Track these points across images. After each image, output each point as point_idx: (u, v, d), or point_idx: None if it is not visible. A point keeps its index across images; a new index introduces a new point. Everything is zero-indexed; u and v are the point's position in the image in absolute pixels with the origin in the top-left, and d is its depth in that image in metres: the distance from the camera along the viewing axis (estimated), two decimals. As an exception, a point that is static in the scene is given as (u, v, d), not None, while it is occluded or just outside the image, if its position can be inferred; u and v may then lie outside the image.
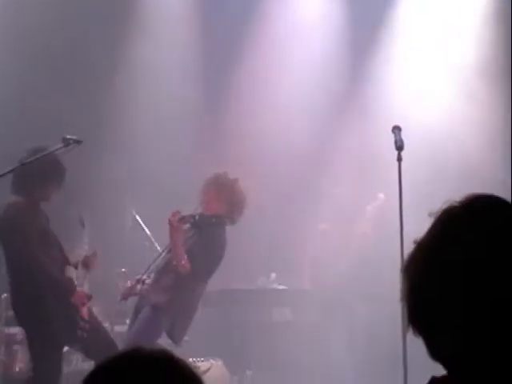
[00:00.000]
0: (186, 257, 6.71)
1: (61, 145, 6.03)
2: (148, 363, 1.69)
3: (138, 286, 6.90)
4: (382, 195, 8.12)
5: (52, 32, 8.32)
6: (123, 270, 7.99)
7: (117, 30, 8.74)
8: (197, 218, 6.83)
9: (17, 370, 7.19)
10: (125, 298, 6.93)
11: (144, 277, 6.94)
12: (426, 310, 1.65)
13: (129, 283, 7.02)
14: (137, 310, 6.87)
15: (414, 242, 1.71)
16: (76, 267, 6.76)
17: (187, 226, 6.87)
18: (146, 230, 8.12)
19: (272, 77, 8.81)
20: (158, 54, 8.87)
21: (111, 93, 8.66)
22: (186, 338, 6.94)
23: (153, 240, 8.01)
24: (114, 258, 7.81)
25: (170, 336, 6.81)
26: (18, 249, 6.46)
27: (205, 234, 6.83)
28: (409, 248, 1.71)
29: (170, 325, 6.77)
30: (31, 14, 8.40)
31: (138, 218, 8.09)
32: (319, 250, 8.41)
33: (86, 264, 6.80)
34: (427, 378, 1.69)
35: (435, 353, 1.67)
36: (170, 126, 8.71)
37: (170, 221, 6.66)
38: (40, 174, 6.47)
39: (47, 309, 6.40)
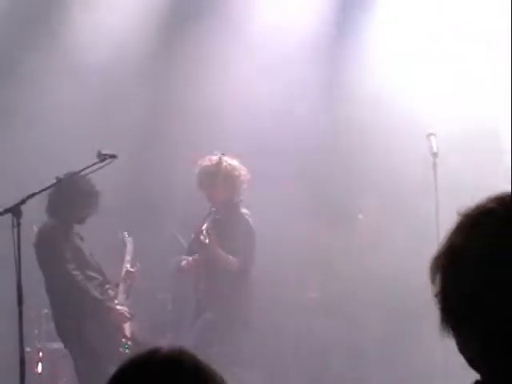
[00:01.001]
0: (230, 257, 6.78)
1: (96, 160, 6.07)
2: (165, 364, 1.74)
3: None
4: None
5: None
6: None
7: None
8: (214, 214, 6.87)
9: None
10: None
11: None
12: (459, 309, 1.62)
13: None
14: (197, 314, 6.96)
15: (446, 239, 1.68)
16: (117, 286, 6.83)
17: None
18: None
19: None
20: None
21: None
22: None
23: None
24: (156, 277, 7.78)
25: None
26: (53, 268, 6.58)
27: (229, 224, 6.91)
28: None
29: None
30: None
31: (179, 237, 7.97)
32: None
33: (128, 278, 6.87)
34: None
35: (467, 354, 1.64)
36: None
37: (200, 241, 6.73)
38: (73, 198, 6.60)
39: (86, 327, 6.46)
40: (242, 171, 6.99)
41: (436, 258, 1.68)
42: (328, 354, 7.60)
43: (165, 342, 7.48)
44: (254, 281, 7.07)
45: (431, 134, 5.56)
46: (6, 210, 5.60)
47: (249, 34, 8.17)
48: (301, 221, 7.54)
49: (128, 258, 7.04)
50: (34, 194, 5.86)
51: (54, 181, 6.23)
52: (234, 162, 7.00)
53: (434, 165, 5.45)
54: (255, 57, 8.13)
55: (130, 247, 7.13)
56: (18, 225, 5.51)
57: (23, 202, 5.68)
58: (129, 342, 6.68)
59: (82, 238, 6.83)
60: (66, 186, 6.45)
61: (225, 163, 6.93)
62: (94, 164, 6.10)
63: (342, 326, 7.46)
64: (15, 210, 5.56)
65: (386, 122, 7.53)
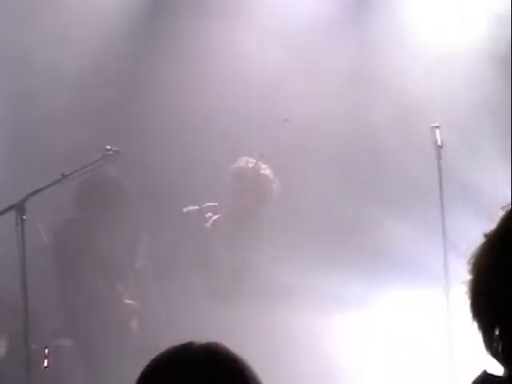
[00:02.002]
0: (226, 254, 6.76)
1: (100, 156, 6.07)
2: (198, 361, 1.74)
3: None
4: None
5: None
6: None
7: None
8: (229, 211, 6.84)
9: (65, 382, 7.23)
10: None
11: None
12: (492, 304, 1.62)
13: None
14: None
15: (484, 235, 1.68)
16: (127, 281, 6.85)
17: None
18: None
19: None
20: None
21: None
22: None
23: None
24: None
25: None
26: (71, 263, 6.60)
27: (241, 227, 6.82)
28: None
29: None
30: None
31: None
32: None
33: (138, 275, 6.89)
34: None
35: (495, 351, 1.63)
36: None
37: (207, 228, 6.71)
38: (100, 193, 6.62)
39: (95, 321, 6.47)
40: (274, 184, 6.87)
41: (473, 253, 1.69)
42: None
43: (175, 337, 7.46)
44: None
45: (436, 127, 5.53)
46: (10, 207, 5.61)
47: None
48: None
49: (141, 254, 7.05)
50: (38, 191, 5.87)
51: (59, 177, 6.22)
52: (268, 172, 6.87)
53: (439, 158, 5.42)
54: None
55: (143, 243, 7.14)
56: (22, 222, 5.52)
57: (27, 198, 5.68)
58: (135, 338, 6.70)
59: (101, 236, 6.84)
60: (92, 182, 6.53)
61: (259, 170, 6.83)
62: (99, 160, 6.11)
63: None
64: (19, 207, 5.57)
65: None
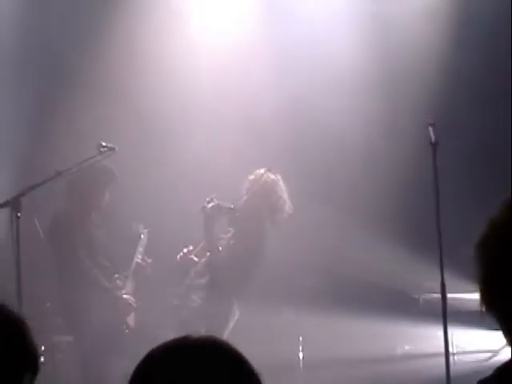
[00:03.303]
0: (219, 248, 6.73)
1: (96, 152, 6.06)
2: (196, 349, 1.73)
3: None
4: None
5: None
6: None
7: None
8: (235, 211, 6.80)
9: (61, 379, 7.23)
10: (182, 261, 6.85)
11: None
12: (503, 291, 1.63)
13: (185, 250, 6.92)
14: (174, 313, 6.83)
15: (488, 220, 1.68)
16: (126, 276, 6.84)
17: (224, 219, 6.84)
18: None
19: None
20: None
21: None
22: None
23: None
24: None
25: None
26: (65, 253, 6.59)
27: (244, 230, 6.77)
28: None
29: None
30: None
31: None
32: None
33: (137, 271, 6.89)
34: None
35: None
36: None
37: (203, 208, 6.66)
38: (91, 181, 6.58)
39: (92, 314, 6.48)
40: (284, 193, 6.83)
41: (482, 239, 1.68)
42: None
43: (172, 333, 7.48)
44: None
45: (430, 124, 5.52)
46: (5, 203, 5.59)
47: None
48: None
49: (140, 249, 7.05)
50: (33, 187, 5.86)
51: (54, 173, 6.21)
52: (278, 179, 6.87)
53: (435, 155, 5.41)
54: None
55: (143, 239, 7.13)
56: (17, 218, 5.50)
57: (22, 194, 5.67)
58: (132, 333, 6.70)
59: (97, 226, 6.84)
60: (85, 174, 6.42)
61: (267, 176, 6.82)
62: (94, 156, 6.10)
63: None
64: (14, 203, 5.55)
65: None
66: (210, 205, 6.62)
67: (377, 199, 7.77)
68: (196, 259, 6.84)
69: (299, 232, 7.35)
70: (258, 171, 6.92)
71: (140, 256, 7.00)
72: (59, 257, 6.65)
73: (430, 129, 5.47)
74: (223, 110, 7.76)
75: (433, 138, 5.43)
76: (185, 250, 6.85)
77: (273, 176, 6.87)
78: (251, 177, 6.91)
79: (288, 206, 6.84)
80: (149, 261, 6.99)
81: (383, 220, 7.70)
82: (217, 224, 6.75)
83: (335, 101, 7.72)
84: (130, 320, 6.77)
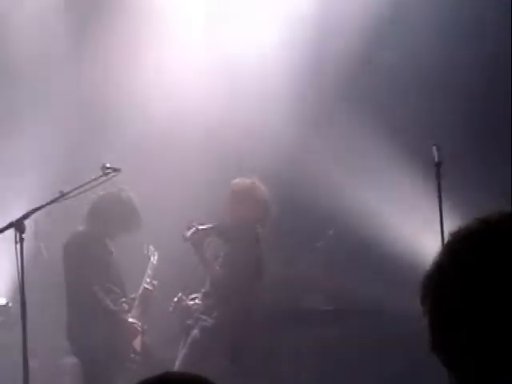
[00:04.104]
0: (216, 267, 6.72)
1: (100, 174, 6.06)
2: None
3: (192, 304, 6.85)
4: None
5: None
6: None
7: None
8: (218, 227, 6.81)
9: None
10: (174, 311, 6.84)
11: (195, 295, 6.90)
12: (445, 327, 1.62)
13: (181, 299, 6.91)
14: (187, 333, 6.84)
15: (435, 259, 1.68)
16: (133, 299, 6.84)
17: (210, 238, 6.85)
18: None
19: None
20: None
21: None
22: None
23: None
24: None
25: (232, 361, 6.63)
26: (74, 273, 6.63)
27: (237, 243, 6.77)
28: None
29: (228, 349, 6.67)
30: None
31: None
32: None
33: (145, 296, 6.89)
34: None
35: (455, 370, 1.63)
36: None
37: (184, 236, 6.66)
38: (113, 213, 6.72)
39: (98, 337, 6.47)
40: (264, 195, 6.85)
41: (425, 277, 1.68)
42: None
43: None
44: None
45: (433, 144, 5.52)
46: (10, 225, 5.59)
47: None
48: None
49: (149, 272, 7.06)
50: (37, 209, 5.86)
51: (58, 195, 6.22)
52: (255, 184, 6.89)
53: (438, 175, 5.41)
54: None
55: (153, 261, 7.14)
56: (21, 240, 5.50)
57: (26, 216, 5.67)
58: (137, 357, 6.69)
59: (111, 253, 6.88)
60: (109, 200, 6.66)
61: (252, 184, 6.85)
62: (99, 178, 6.10)
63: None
64: (18, 225, 5.55)
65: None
66: (189, 232, 6.65)
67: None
68: (191, 303, 6.83)
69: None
70: (233, 181, 6.92)
71: (148, 279, 7.01)
72: (69, 274, 6.67)
73: (434, 148, 5.49)
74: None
75: (436, 158, 5.44)
76: (175, 299, 6.86)
77: (249, 181, 6.87)
78: (230, 188, 6.90)
79: (272, 207, 6.83)
80: (155, 282, 6.99)
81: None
82: (206, 247, 6.76)
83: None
84: (137, 344, 6.76)
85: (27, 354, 5.32)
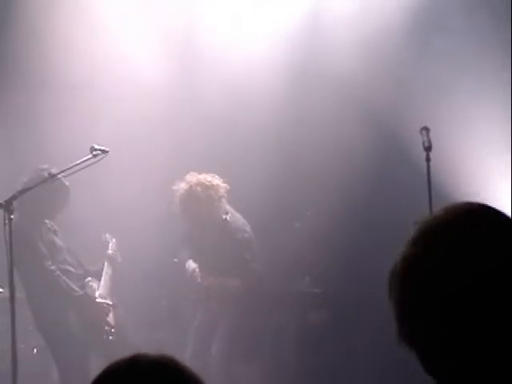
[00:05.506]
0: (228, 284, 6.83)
1: (89, 155, 6.03)
2: (150, 367, 1.70)
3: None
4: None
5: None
6: None
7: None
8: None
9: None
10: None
11: None
12: (411, 319, 1.66)
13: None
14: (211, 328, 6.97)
15: (402, 250, 1.71)
16: (99, 278, 6.85)
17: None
18: None
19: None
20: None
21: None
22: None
23: None
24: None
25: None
26: (30, 264, 6.49)
27: (217, 245, 6.86)
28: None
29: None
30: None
31: None
32: None
33: (110, 265, 6.90)
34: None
35: (423, 361, 1.67)
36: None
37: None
38: (38, 194, 6.35)
39: (68, 320, 6.51)
40: (216, 189, 6.86)
41: (392, 269, 1.70)
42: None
43: (159, 337, 7.49)
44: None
45: (424, 128, 5.53)
46: (-2, 205, 5.57)
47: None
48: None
49: (110, 251, 7.06)
50: (26, 190, 5.85)
51: (47, 176, 6.21)
52: (206, 180, 6.86)
53: (428, 159, 5.43)
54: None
55: (112, 245, 7.15)
56: (10, 221, 5.48)
57: (15, 197, 5.66)
58: (113, 329, 6.71)
59: (55, 232, 6.79)
60: (32, 183, 6.25)
61: (195, 187, 6.81)
62: (87, 159, 6.07)
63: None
64: (7, 206, 5.54)
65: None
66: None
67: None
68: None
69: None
70: (174, 187, 6.91)
71: (110, 251, 7.06)
72: (23, 266, 6.36)
73: (424, 133, 5.50)
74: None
75: (426, 143, 5.45)
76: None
77: (183, 184, 6.85)
78: (179, 192, 6.89)
79: (222, 186, 6.81)
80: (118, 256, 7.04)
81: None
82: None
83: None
84: (110, 319, 6.77)
85: (16, 336, 5.32)
